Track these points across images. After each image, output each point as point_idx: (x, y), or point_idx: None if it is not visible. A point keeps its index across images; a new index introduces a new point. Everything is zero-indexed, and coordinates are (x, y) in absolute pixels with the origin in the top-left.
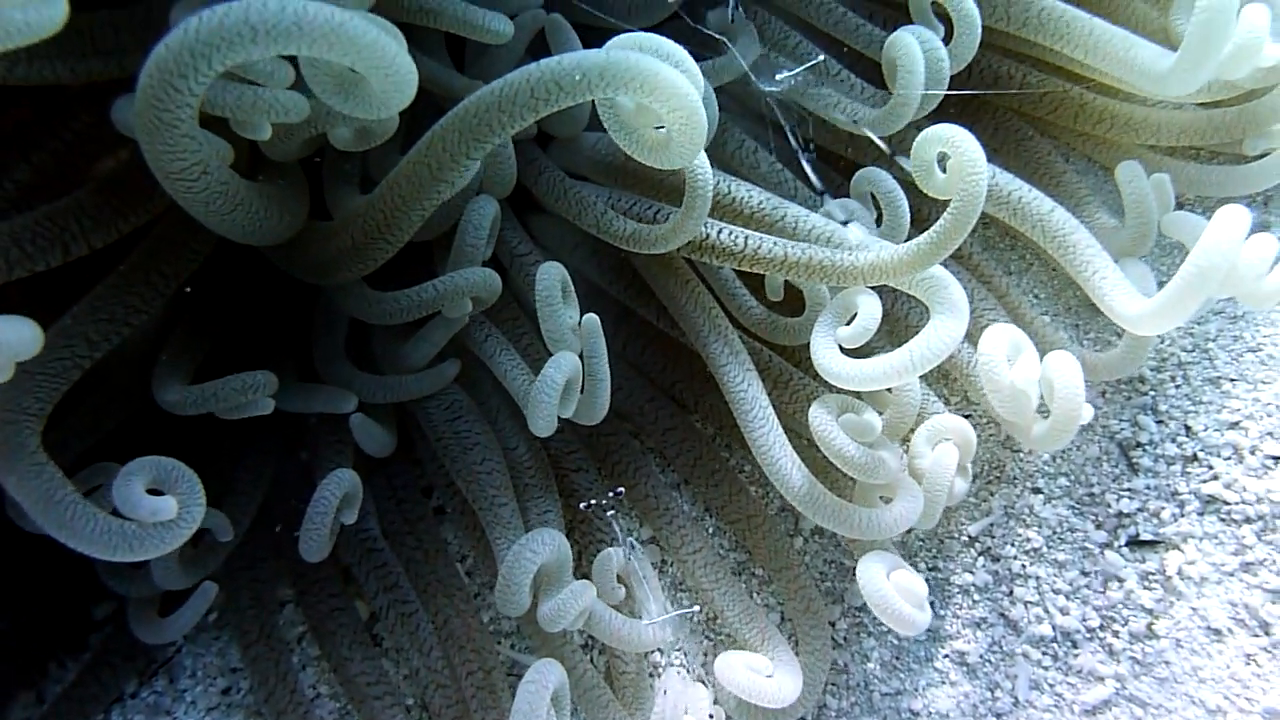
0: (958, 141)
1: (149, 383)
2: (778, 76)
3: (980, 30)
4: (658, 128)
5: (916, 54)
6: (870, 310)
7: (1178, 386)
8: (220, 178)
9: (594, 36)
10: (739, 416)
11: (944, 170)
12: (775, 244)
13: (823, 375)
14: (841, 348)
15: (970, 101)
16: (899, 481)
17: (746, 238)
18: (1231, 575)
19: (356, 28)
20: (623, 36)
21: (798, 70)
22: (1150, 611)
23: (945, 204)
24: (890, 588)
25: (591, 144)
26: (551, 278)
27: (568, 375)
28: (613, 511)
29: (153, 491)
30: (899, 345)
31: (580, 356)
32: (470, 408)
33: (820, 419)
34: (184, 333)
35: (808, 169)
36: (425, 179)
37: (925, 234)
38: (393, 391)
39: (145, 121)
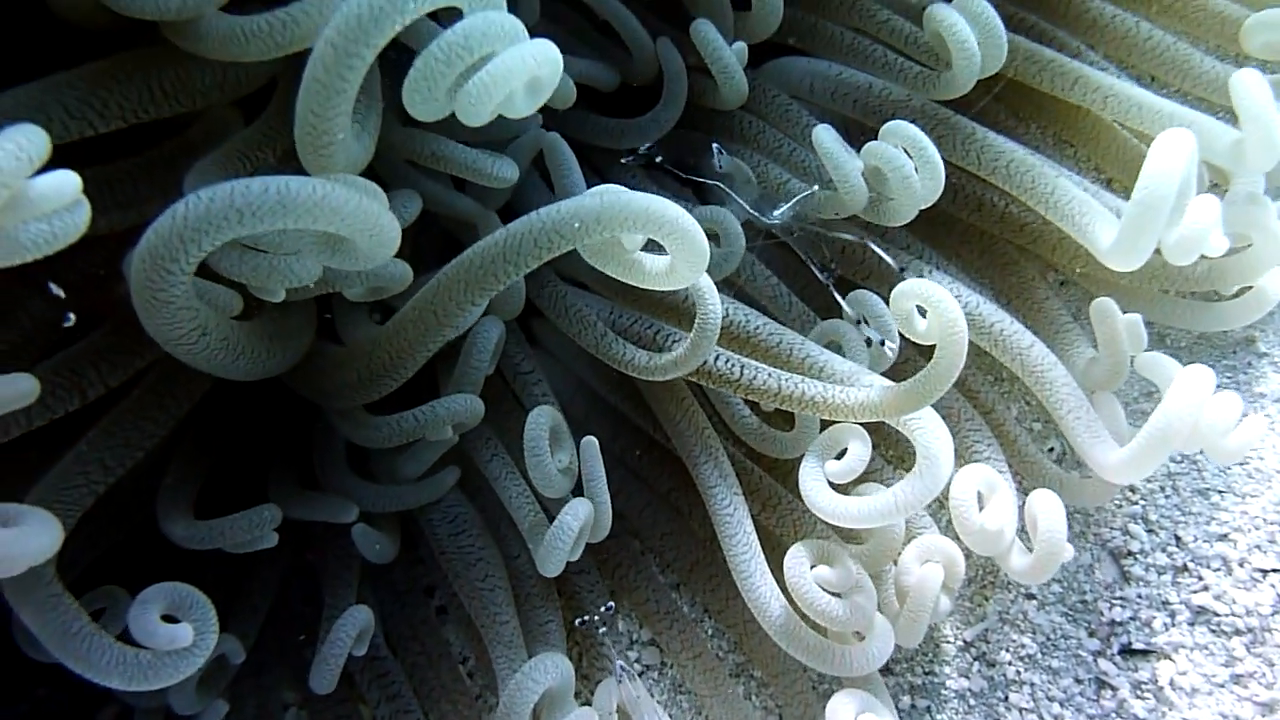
0: (934, 299)
1: (152, 494)
2: (775, 213)
3: (942, 176)
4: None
5: (902, 163)
6: (859, 452)
7: (1167, 497)
8: (220, 334)
9: (592, 154)
10: (723, 541)
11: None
12: (770, 375)
13: (810, 508)
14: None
15: (959, 223)
16: (873, 619)
17: (743, 367)
18: (1222, 687)
19: (338, 199)
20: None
21: (794, 202)
22: None
23: None
24: None
25: None
26: (539, 426)
27: (582, 524)
28: (604, 629)
29: (166, 618)
30: None
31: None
32: (474, 521)
33: (794, 569)
34: (187, 451)
35: (840, 300)
36: (431, 323)
37: (912, 380)
38: (392, 501)
39: (141, 300)
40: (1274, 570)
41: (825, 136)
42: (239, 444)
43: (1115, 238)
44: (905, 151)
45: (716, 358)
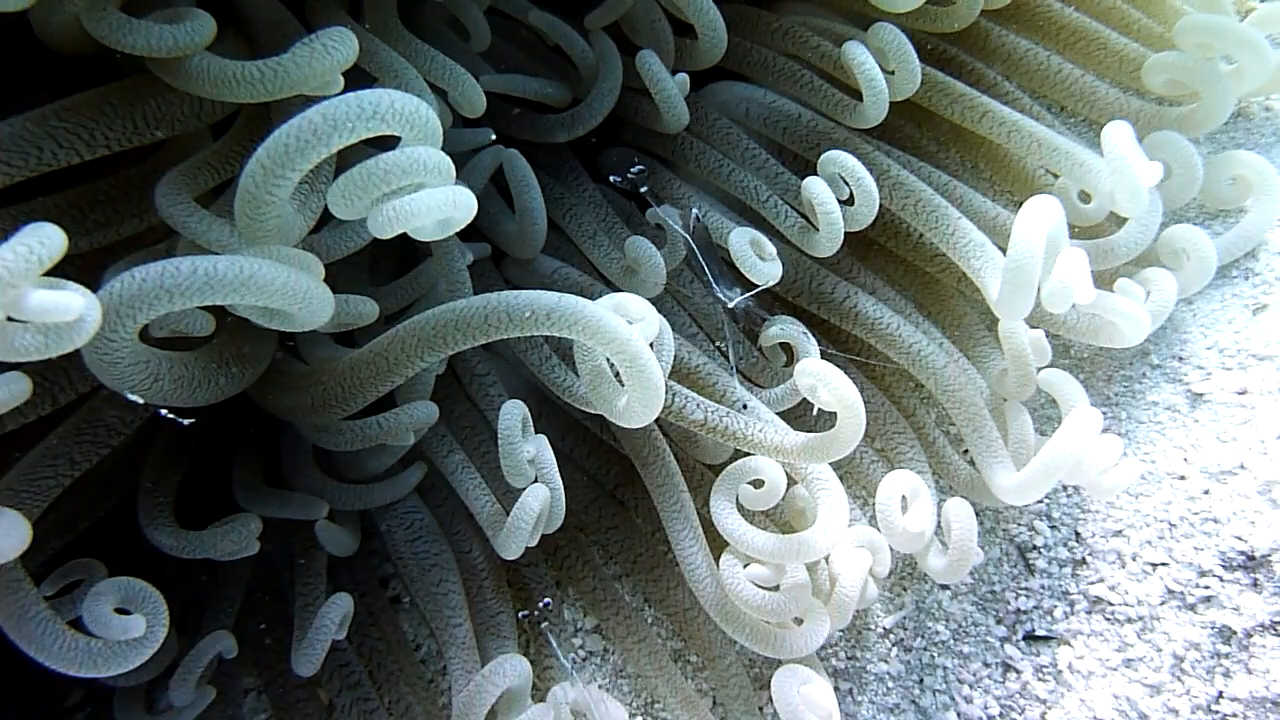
0: (829, 380)
1: (125, 482)
2: (731, 304)
3: (876, 202)
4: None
5: (829, 196)
6: (776, 481)
7: (1069, 495)
8: (174, 376)
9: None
10: (670, 535)
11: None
12: (699, 406)
13: (721, 534)
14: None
15: (883, 248)
16: (809, 605)
17: (674, 396)
18: (1115, 670)
19: (265, 277)
20: (607, 298)
21: (754, 292)
22: (1044, 701)
23: None
24: (800, 703)
25: (548, 271)
26: (513, 417)
27: (541, 507)
28: (545, 623)
29: (120, 611)
30: None
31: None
32: (429, 526)
33: (728, 570)
34: (161, 453)
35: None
36: (382, 370)
37: (820, 436)
38: (358, 500)
39: (91, 362)
40: (1162, 564)
41: (816, 188)
42: (207, 442)
43: (1000, 293)
44: (843, 179)
45: None
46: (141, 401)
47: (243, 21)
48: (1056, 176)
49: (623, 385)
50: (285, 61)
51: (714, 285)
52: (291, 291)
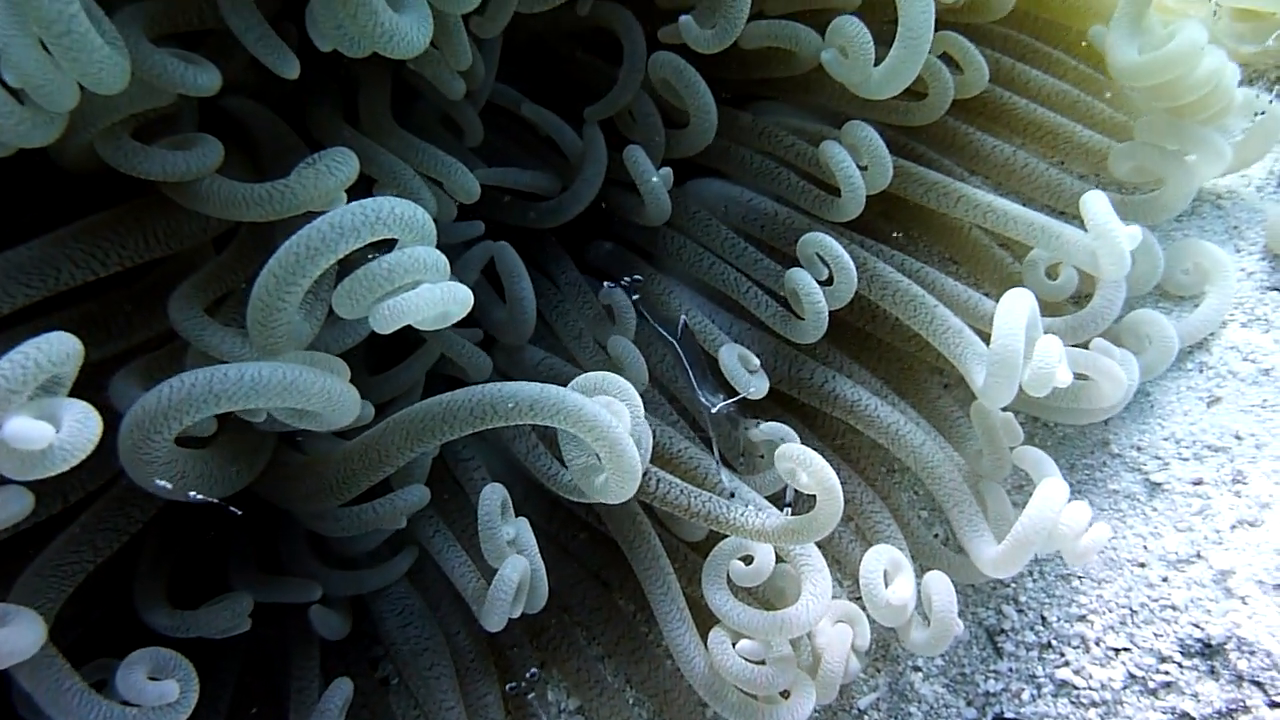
0: (809, 463)
1: (122, 575)
2: (714, 410)
3: (855, 279)
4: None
5: (811, 285)
6: (765, 557)
7: (1035, 581)
8: (196, 473)
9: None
10: (658, 615)
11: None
12: (682, 491)
13: (711, 609)
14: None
15: (859, 331)
16: (795, 678)
17: (659, 481)
18: None
19: (304, 381)
20: (586, 376)
21: (734, 400)
22: None
23: None
24: None
25: (534, 361)
26: (492, 502)
27: (520, 578)
28: (531, 694)
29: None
30: None
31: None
32: (420, 611)
33: (717, 645)
34: (158, 538)
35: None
36: (374, 461)
37: (800, 518)
38: (352, 586)
39: (128, 460)
40: (1124, 649)
41: (800, 278)
42: (203, 530)
43: (985, 384)
44: (821, 259)
45: None
46: (170, 487)
47: (246, 137)
48: (1020, 259)
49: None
50: (291, 183)
51: (698, 391)
52: (326, 395)
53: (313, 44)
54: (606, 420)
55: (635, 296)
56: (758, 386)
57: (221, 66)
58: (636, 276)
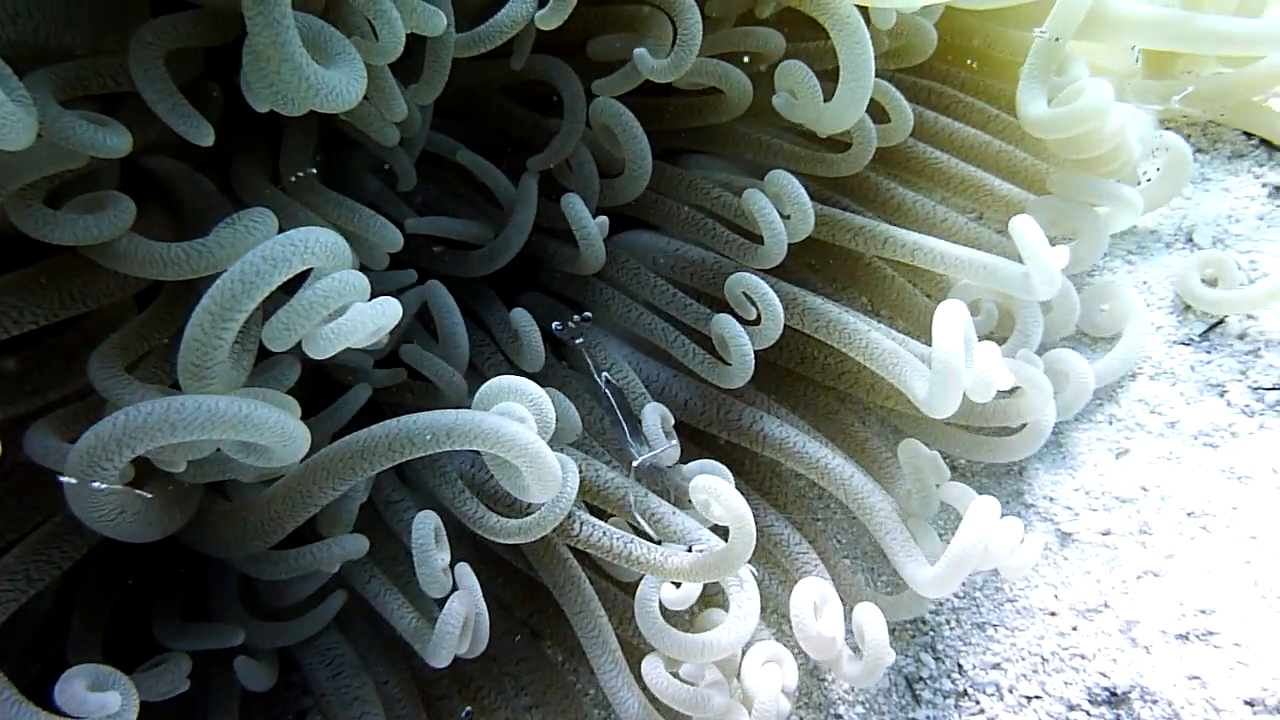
0: (719, 492)
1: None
2: (635, 463)
3: (782, 317)
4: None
5: (738, 331)
6: (691, 590)
7: (951, 629)
8: (134, 509)
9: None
10: (590, 657)
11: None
12: (604, 533)
13: (642, 632)
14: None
15: (786, 377)
16: (727, 705)
17: (581, 524)
18: None
19: (259, 414)
20: (494, 380)
21: (657, 453)
22: None
23: None
24: None
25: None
26: (426, 528)
27: (466, 611)
28: None
29: None
30: None
31: None
32: (350, 660)
33: (651, 670)
34: (90, 594)
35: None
36: (298, 502)
37: (714, 554)
38: (278, 637)
39: (74, 490)
40: (1036, 697)
41: (725, 323)
42: (134, 579)
43: (929, 393)
44: (749, 299)
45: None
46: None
47: (168, 194)
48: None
49: None
50: (209, 243)
51: (625, 443)
52: (280, 430)
53: (240, 97)
54: (522, 436)
55: (580, 339)
56: (669, 454)
57: (143, 127)
58: (587, 315)
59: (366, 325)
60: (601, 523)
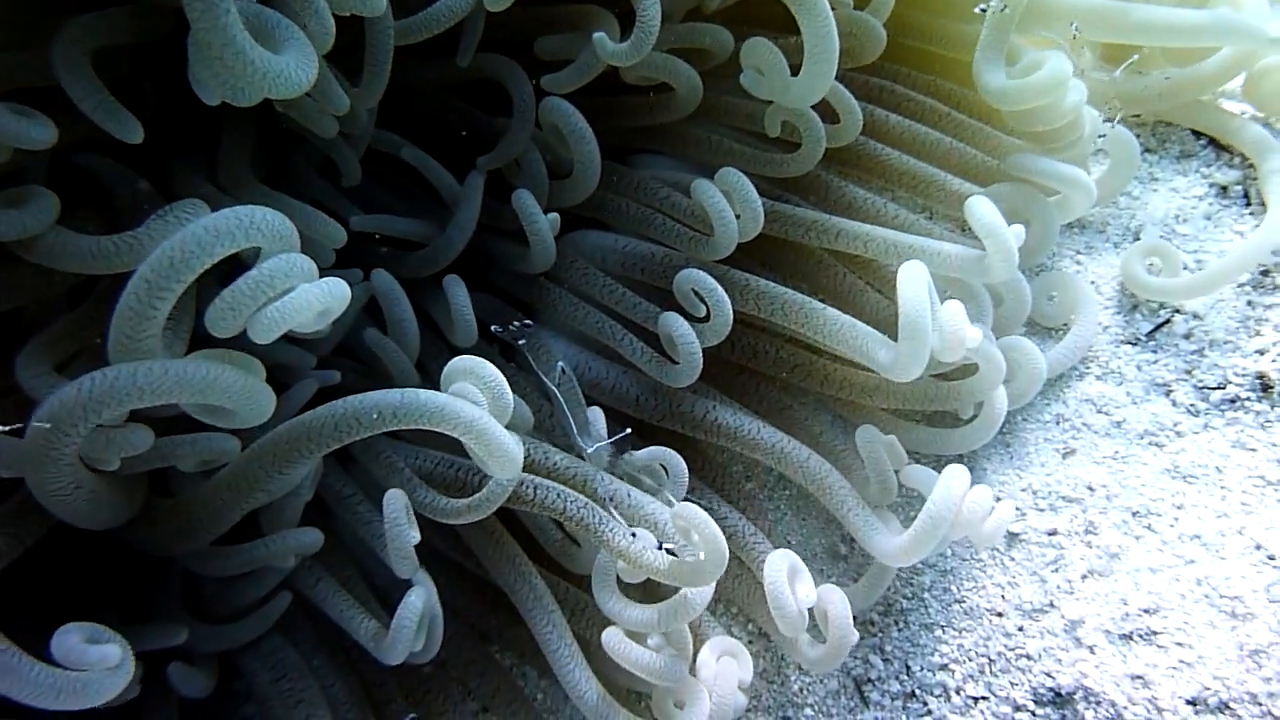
0: (699, 523)
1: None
2: (588, 451)
3: (730, 314)
4: None
5: (685, 329)
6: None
7: (900, 630)
8: (90, 488)
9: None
10: (546, 652)
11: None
12: (559, 495)
13: (603, 613)
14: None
15: (738, 374)
16: (690, 687)
17: (535, 489)
18: None
19: (226, 378)
20: (452, 361)
21: (613, 439)
22: None
23: None
24: None
25: None
26: (398, 504)
27: (424, 606)
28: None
29: None
30: None
31: None
32: (295, 663)
33: (614, 638)
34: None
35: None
36: (244, 489)
37: (685, 563)
38: (221, 640)
39: (35, 457)
40: (983, 698)
41: (672, 322)
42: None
43: (895, 356)
44: (697, 295)
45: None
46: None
47: (100, 193)
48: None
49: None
50: (140, 235)
51: (575, 437)
52: (246, 392)
53: (178, 95)
54: (470, 413)
55: (523, 341)
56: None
57: (74, 123)
58: (527, 322)
59: (312, 306)
60: (556, 485)
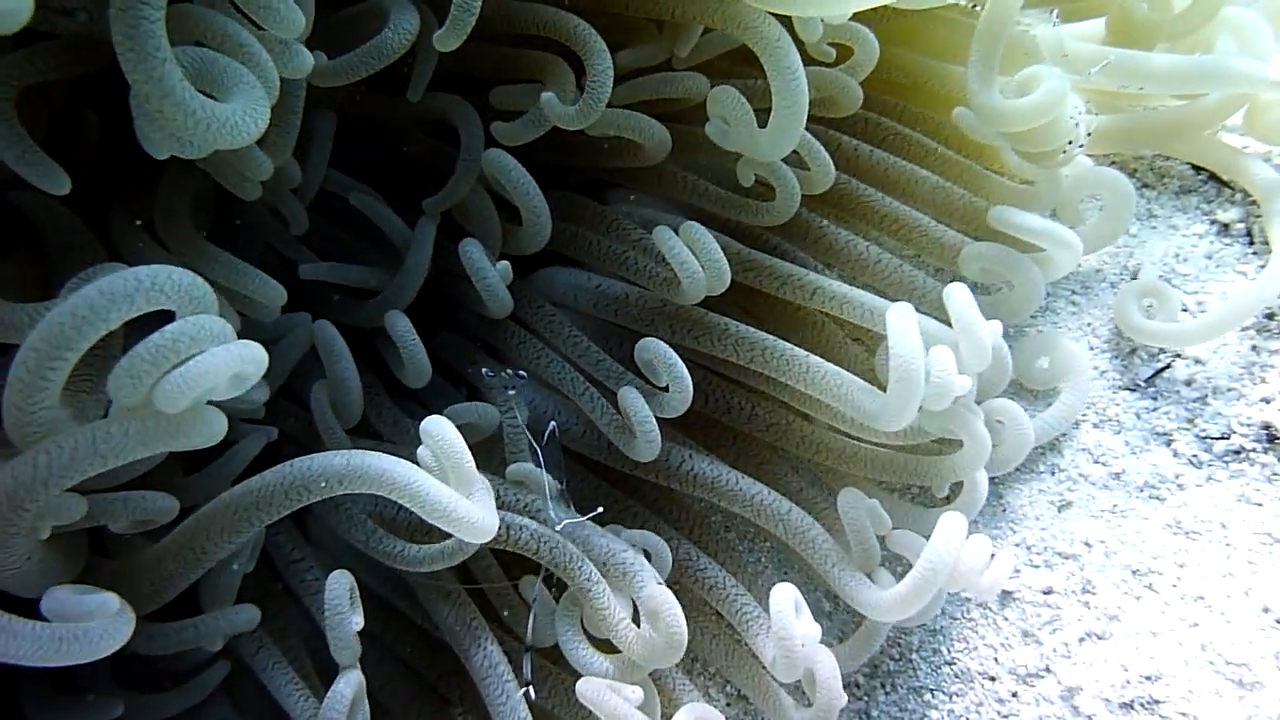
0: (667, 610)
1: None
2: (558, 526)
3: (690, 389)
4: None
5: (643, 409)
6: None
7: (886, 694)
8: (38, 558)
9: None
10: None
11: None
12: (532, 534)
13: (572, 664)
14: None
15: (714, 427)
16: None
17: (509, 528)
18: None
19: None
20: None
21: (587, 518)
22: None
23: None
24: None
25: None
26: (340, 588)
27: (354, 693)
28: None
29: None
30: None
31: None
32: None
33: (589, 690)
34: None
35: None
36: (189, 559)
37: (652, 639)
38: (154, 712)
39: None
40: None
41: (630, 400)
42: None
43: (883, 405)
44: (654, 366)
45: None
46: None
47: (39, 238)
48: (871, 352)
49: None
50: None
51: (548, 504)
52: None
53: (125, 125)
54: (420, 481)
55: (512, 390)
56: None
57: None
58: (520, 373)
59: (221, 370)
60: (538, 526)
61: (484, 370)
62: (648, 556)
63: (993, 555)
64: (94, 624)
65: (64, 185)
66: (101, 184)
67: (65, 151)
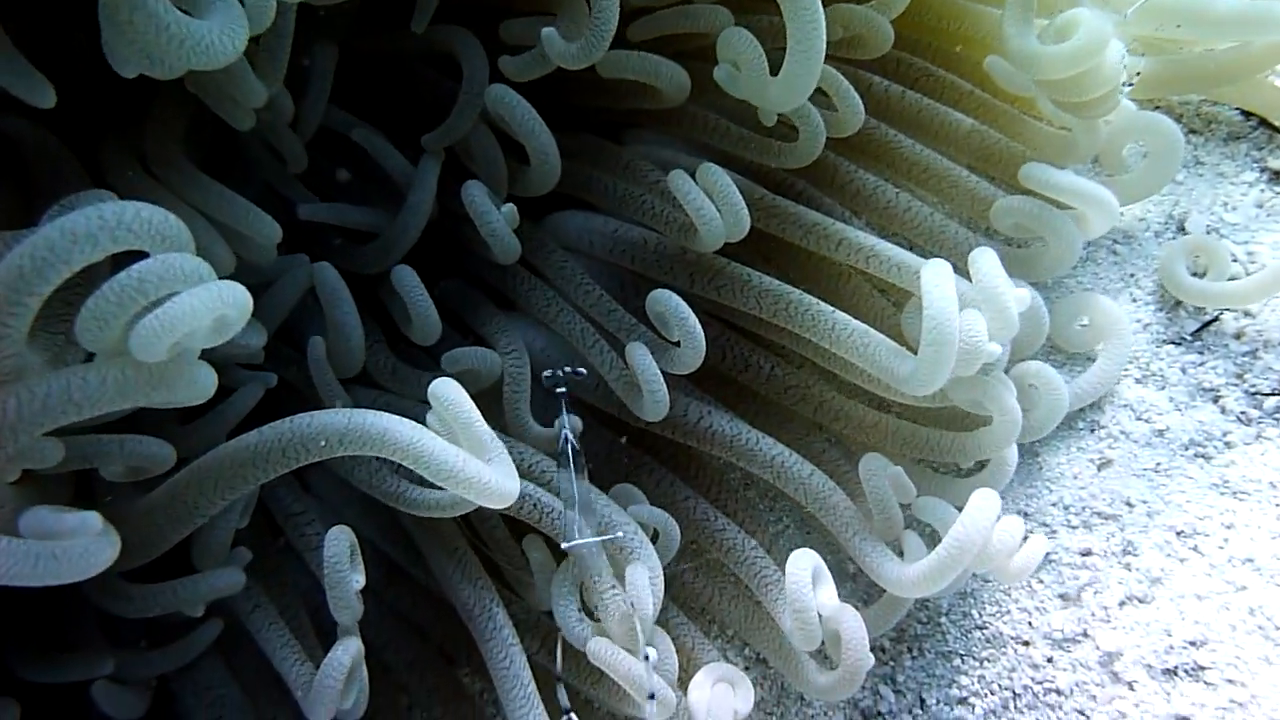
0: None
1: None
2: (575, 540)
3: (703, 345)
4: None
5: (651, 367)
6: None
7: (914, 659)
8: (12, 505)
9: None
10: (500, 690)
11: None
12: (535, 505)
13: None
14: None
15: (730, 385)
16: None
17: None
18: None
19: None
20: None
21: (605, 539)
22: None
23: None
24: None
25: (369, 399)
26: (339, 545)
27: (353, 661)
28: None
29: None
30: None
31: None
32: (235, 700)
33: (602, 646)
34: None
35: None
36: (181, 512)
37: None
38: (144, 668)
39: None
40: None
41: (638, 357)
42: None
43: (914, 369)
44: (665, 319)
45: None
46: None
47: (19, 160)
48: (899, 307)
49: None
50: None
51: (567, 528)
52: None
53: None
54: (424, 441)
55: (562, 391)
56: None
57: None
58: (579, 370)
59: (199, 313)
60: (547, 495)
61: (544, 374)
62: (655, 537)
63: (1025, 537)
64: (74, 542)
65: (49, 97)
66: (93, 111)
67: (54, 75)
